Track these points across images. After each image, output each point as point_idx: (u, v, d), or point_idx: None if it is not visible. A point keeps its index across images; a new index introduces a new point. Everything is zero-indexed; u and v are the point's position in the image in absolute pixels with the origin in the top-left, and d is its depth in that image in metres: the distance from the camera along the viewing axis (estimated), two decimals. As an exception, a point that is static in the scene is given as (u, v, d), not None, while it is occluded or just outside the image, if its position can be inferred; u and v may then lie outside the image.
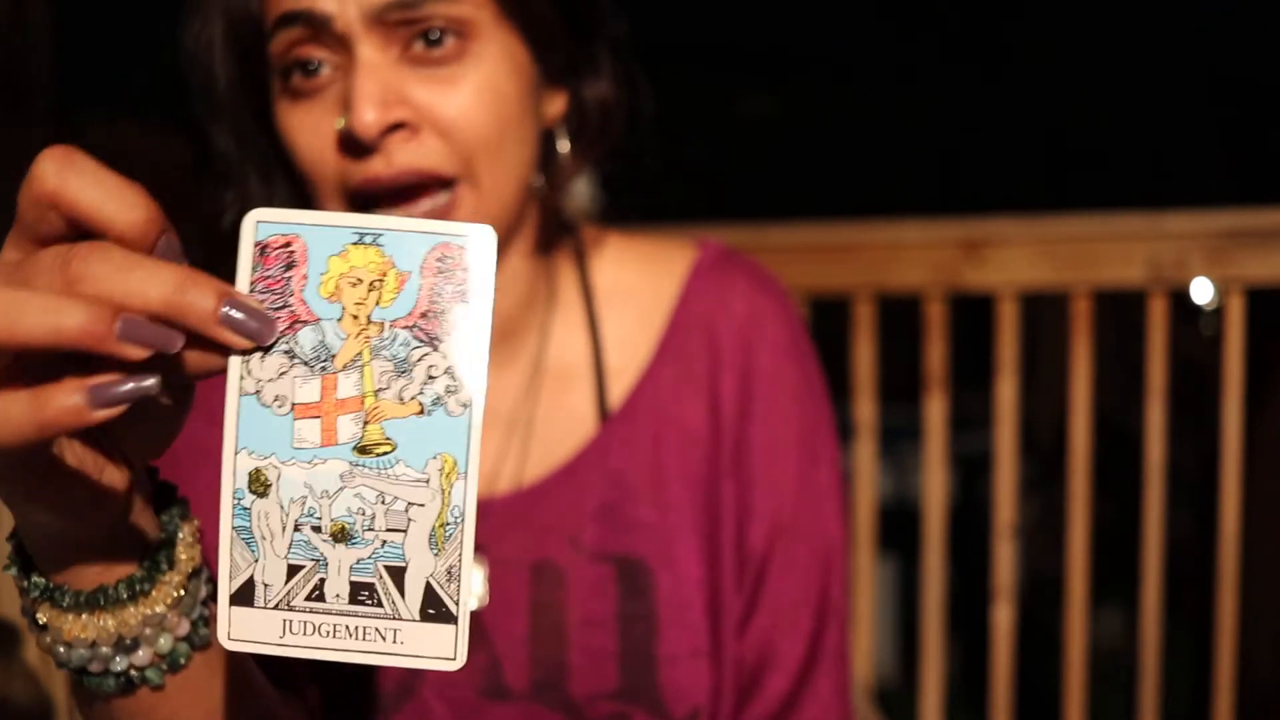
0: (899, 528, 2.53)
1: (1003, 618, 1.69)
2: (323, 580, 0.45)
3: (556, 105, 0.83)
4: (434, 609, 0.45)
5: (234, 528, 0.45)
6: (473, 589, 0.82)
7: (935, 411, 1.70)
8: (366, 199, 0.74)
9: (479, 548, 0.82)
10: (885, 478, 3.02)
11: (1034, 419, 3.26)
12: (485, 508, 0.83)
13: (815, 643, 0.85)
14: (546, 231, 0.86)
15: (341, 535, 0.45)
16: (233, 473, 0.45)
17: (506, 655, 0.81)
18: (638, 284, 0.89)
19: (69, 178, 0.42)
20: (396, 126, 0.72)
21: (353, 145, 0.73)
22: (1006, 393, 1.68)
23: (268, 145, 0.80)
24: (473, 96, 0.74)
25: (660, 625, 0.82)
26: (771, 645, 0.84)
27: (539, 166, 0.82)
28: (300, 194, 0.79)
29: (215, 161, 0.81)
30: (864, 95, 4.48)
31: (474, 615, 0.82)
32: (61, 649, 0.51)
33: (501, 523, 0.83)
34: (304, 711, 0.78)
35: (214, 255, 0.45)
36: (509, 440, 0.85)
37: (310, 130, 0.75)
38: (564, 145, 0.84)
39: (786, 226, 1.73)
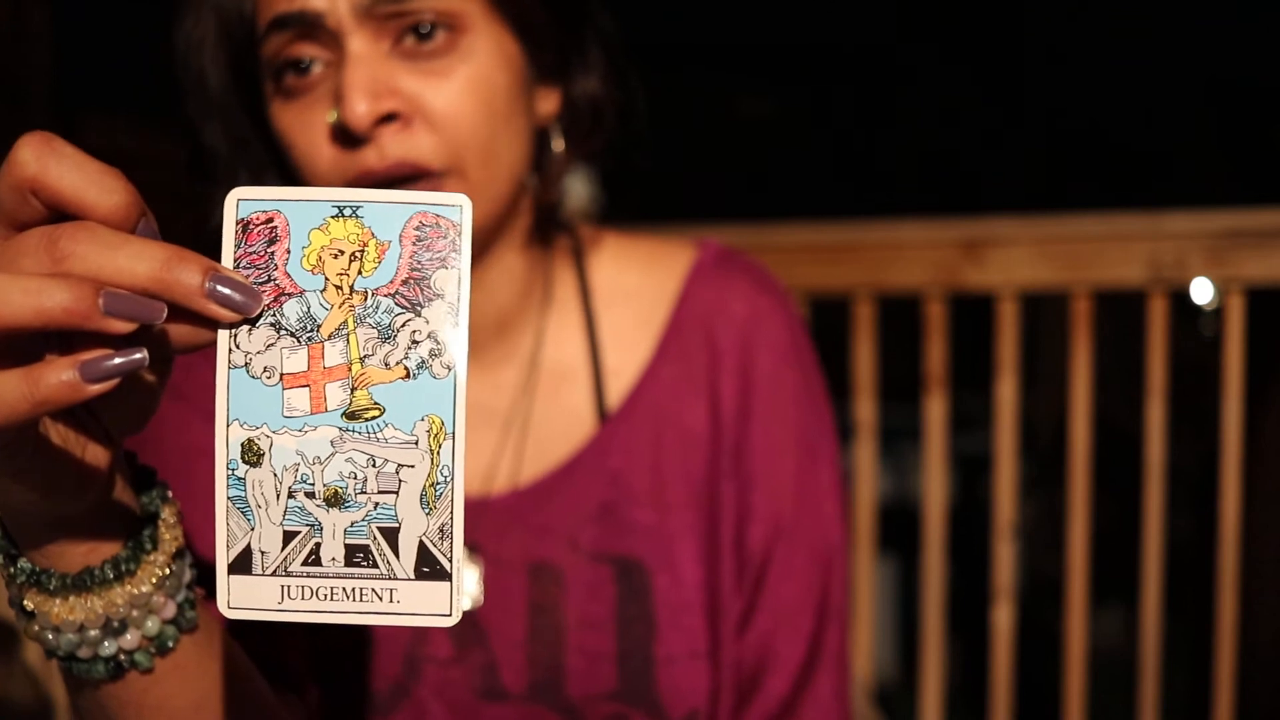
0: (899, 528, 2.53)
1: (1003, 618, 1.69)
2: (318, 545, 0.47)
3: (550, 103, 0.83)
4: (428, 567, 0.47)
5: (229, 498, 0.46)
6: (468, 589, 0.82)
7: (935, 411, 1.70)
8: None
9: (475, 548, 0.82)
10: (885, 478, 3.02)
11: (1034, 419, 3.26)
12: (481, 507, 0.83)
13: (815, 644, 0.85)
14: (542, 229, 0.86)
15: (334, 500, 0.47)
16: (225, 444, 0.46)
17: (504, 656, 0.81)
18: (637, 284, 0.89)
19: (49, 163, 0.43)
20: (388, 118, 0.73)
21: (346, 137, 0.73)
22: (1006, 393, 1.68)
23: (259, 144, 0.80)
24: (464, 88, 0.74)
25: (658, 626, 0.81)
26: (771, 647, 0.84)
27: (533, 164, 0.82)
28: None
29: (206, 160, 0.81)
30: (864, 95, 4.48)
31: (471, 615, 0.82)
32: (50, 635, 0.52)
33: (498, 523, 0.83)
34: (303, 712, 0.78)
35: (206, 252, 0.45)
36: (505, 439, 0.85)
37: (304, 126, 0.75)
38: (558, 144, 0.84)
39: (786, 226, 1.73)
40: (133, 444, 0.54)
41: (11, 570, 0.52)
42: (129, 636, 0.53)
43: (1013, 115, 4.31)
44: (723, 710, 0.82)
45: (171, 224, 0.47)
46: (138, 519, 0.53)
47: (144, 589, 0.52)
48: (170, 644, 0.54)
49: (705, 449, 0.85)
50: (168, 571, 0.53)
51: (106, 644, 0.52)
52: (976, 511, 2.31)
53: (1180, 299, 1.66)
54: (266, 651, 0.72)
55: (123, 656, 0.53)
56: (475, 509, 0.83)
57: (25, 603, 0.52)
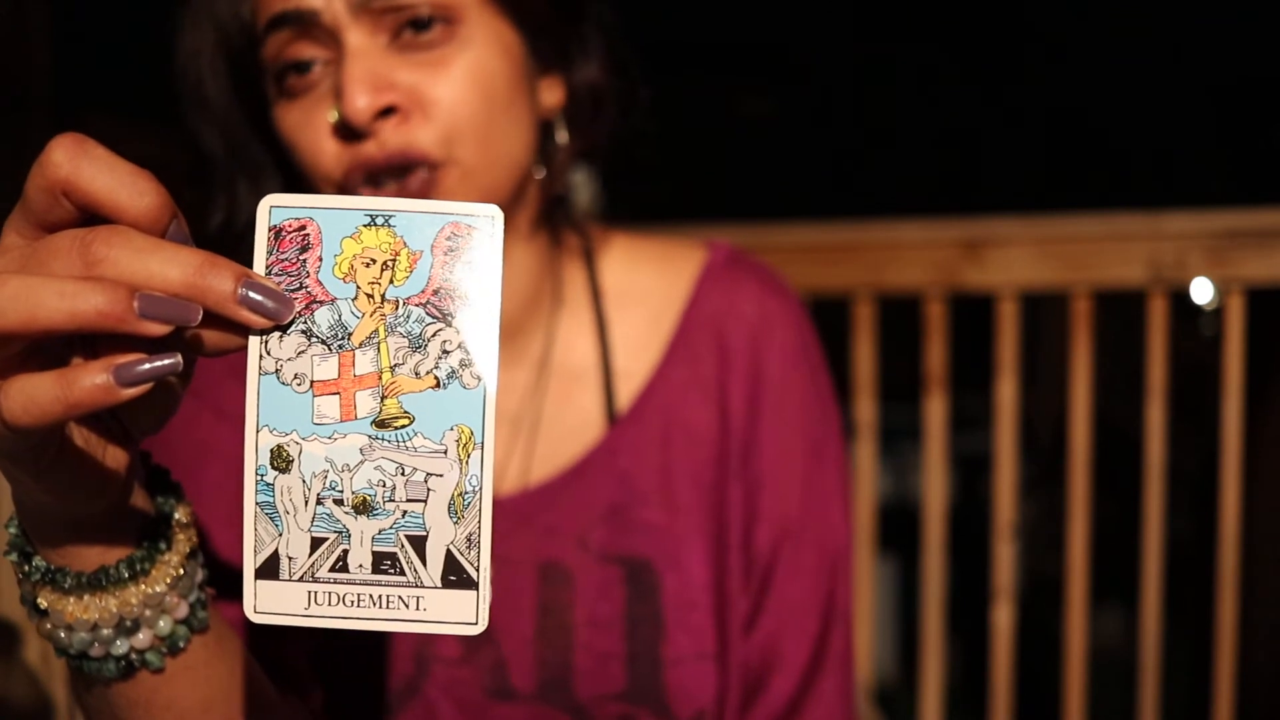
0: (899, 528, 2.53)
1: (1003, 618, 1.69)
2: (346, 551, 0.47)
3: (555, 95, 0.83)
4: (455, 575, 0.47)
5: (257, 503, 0.46)
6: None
7: (935, 411, 1.70)
8: (361, 182, 0.75)
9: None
10: (885, 478, 3.02)
11: (1034, 419, 3.26)
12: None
13: (820, 645, 0.85)
14: (550, 227, 0.86)
15: (363, 507, 0.47)
16: (255, 450, 0.46)
17: (513, 655, 0.81)
18: (648, 285, 0.89)
19: (82, 165, 0.43)
20: (388, 111, 0.73)
21: (347, 132, 0.74)
22: (1006, 393, 1.68)
23: (259, 149, 0.81)
24: (461, 79, 0.74)
25: (667, 627, 0.82)
26: (777, 647, 0.84)
27: (539, 157, 0.82)
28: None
29: (206, 165, 0.82)
30: (863, 95, 4.48)
31: None
32: (63, 633, 0.52)
33: (507, 523, 0.83)
34: (306, 713, 0.78)
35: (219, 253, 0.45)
36: (514, 439, 0.85)
37: (307, 125, 0.75)
38: (562, 135, 0.83)
39: (786, 226, 1.73)
40: (145, 441, 0.55)
41: (27, 568, 0.52)
42: (141, 636, 0.53)
43: (1013, 115, 4.31)
44: (729, 711, 0.82)
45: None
46: (152, 519, 0.53)
47: (158, 589, 0.52)
48: (181, 644, 0.54)
49: (714, 450, 0.85)
50: (181, 572, 0.53)
51: (119, 643, 0.53)
52: (976, 511, 2.31)
53: (1180, 299, 1.66)
54: (272, 651, 0.72)
55: (134, 656, 0.53)
56: None
57: (39, 601, 0.52)
